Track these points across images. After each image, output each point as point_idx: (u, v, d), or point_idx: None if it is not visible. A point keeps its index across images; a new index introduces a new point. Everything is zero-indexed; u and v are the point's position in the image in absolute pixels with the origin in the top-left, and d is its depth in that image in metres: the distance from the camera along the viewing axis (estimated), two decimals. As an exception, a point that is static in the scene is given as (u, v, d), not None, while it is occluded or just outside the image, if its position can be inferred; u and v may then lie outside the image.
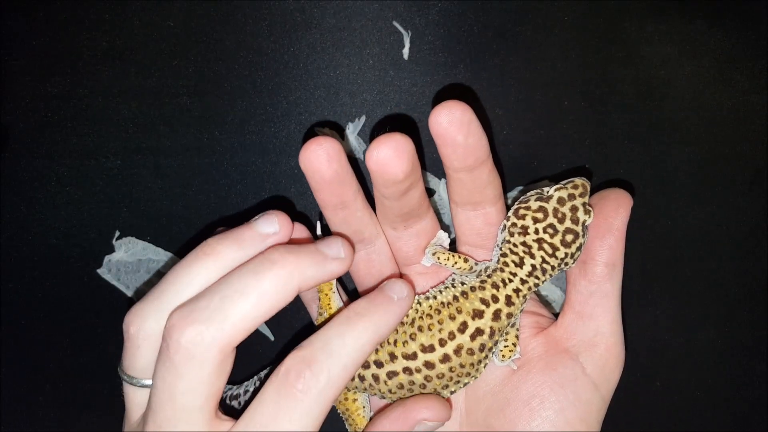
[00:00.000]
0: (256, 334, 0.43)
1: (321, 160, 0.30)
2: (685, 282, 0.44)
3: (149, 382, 0.29)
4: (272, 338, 0.43)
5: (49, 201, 0.43)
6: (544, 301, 0.43)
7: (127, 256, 0.43)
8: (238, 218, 0.42)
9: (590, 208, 0.33)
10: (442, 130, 0.30)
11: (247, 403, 0.29)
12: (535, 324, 0.35)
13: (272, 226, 0.30)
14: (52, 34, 0.41)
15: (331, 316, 0.34)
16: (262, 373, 0.39)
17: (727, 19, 0.42)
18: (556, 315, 0.36)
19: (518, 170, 0.42)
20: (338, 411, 0.36)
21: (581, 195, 0.32)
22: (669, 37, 0.42)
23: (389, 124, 0.41)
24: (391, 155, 0.29)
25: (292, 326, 0.43)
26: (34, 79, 0.42)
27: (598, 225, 0.33)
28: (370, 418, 0.35)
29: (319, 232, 0.35)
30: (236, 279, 0.28)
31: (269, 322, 0.43)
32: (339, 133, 0.42)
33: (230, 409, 0.37)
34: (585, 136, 0.42)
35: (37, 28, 0.41)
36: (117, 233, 0.43)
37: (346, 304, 0.37)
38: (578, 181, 0.33)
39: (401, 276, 0.36)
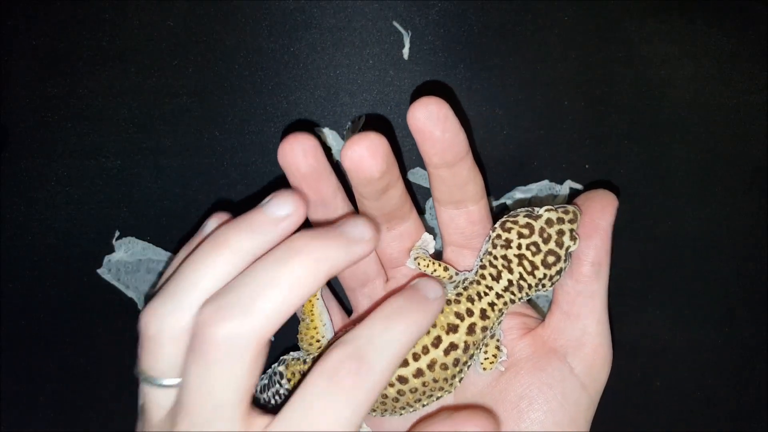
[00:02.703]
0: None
1: (296, 154, 0.31)
2: (685, 282, 0.44)
3: (171, 381, 0.28)
4: (272, 338, 0.43)
5: (49, 201, 0.43)
6: (544, 302, 0.43)
7: (127, 256, 0.43)
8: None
9: (577, 236, 0.32)
10: (420, 125, 0.30)
11: (286, 399, 0.28)
12: (522, 325, 0.35)
13: (285, 208, 0.29)
14: (52, 34, 0.41)
15: (328, 340, 0.34)
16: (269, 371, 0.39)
17: (727, 19, 0.42)
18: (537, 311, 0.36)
19: (518, 170, 0.42)
20: None
21: (570, 221, 0.32)
22: (669, 37, 0.42)
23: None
24: (365, 154, 0.29)
25: (293, 327, 0.43)
26: (34, 79, 0.42)
27: (584, 225, 0.33)
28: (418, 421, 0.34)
29: None
30: (264, 270, 0.27)
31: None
32: (338, 133, 0.42)
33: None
34: (585, 136, 0.42)
35: (37, 28, 0.41)
36: (117, 233, 0.43)
37: (330, 311, 0.37)
38: (570, 207, 0.33)
39: (387, 278, 0.36)
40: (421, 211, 0.42)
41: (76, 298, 0.43)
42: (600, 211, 0.33)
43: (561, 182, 0.42)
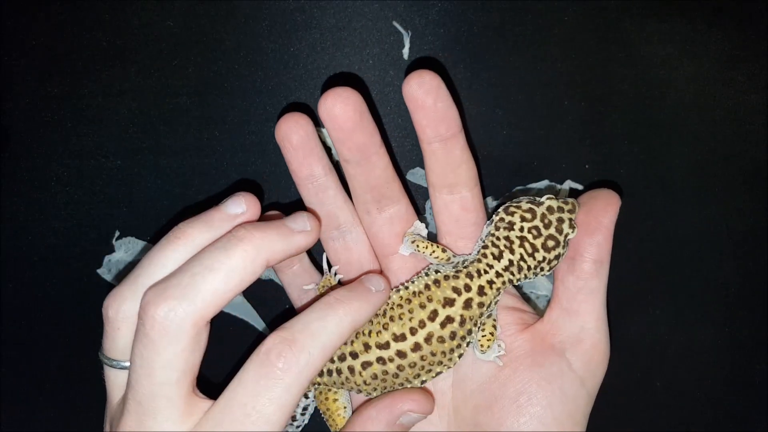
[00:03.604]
0: (254, 332, 0.43)
1: (290, 127, 0.34)
2: (685, 282, 0.44)
3: (127, 363, 0.30)
4: (272, 338, 0.43)
5: (49, 201, 0.43)
6: (543, 301, 0.43)
7: (127, 256, 0.43)
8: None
9: (575, 225, 0.34)
10: (413, 93, 0.32)
11: (226, 383, 0.29)
12: (519, 320, 0.35)
13: (240, 206, 0.31)
14: (52, 34, 0.41)
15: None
16: None
17: (727, 19, 0.42)
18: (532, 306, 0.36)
19: (518, 170, 0.42)
20: (320, 410, 0.36)
21: (569, 211, 0.34)
22: (669, 37, 0.42)
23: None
24: (337, 102, 0.32)
25: (292, 326, 0.43)
26: (34, 79, 0.42)
27: (588, 222, 0.34)
28: (353, 411, 0.35)
29: (325, 264, 0.37)
30: (206, 256, 0.29)
31: (267, 320, 0.43)
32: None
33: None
34: (585, 136, 0.42)
35: (37, 28, 0.41)
36: (117, 233, 0.43)
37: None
38: (570, 200, 0.34)
39: (381, 270, 0.37)
40: (420, 211, 0.42)
41: (76, 298, 0.43)
42: (603, 210, 0.34)
43: (561, 182, 0.42)
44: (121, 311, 0.30)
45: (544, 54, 0.41)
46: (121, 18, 0.41)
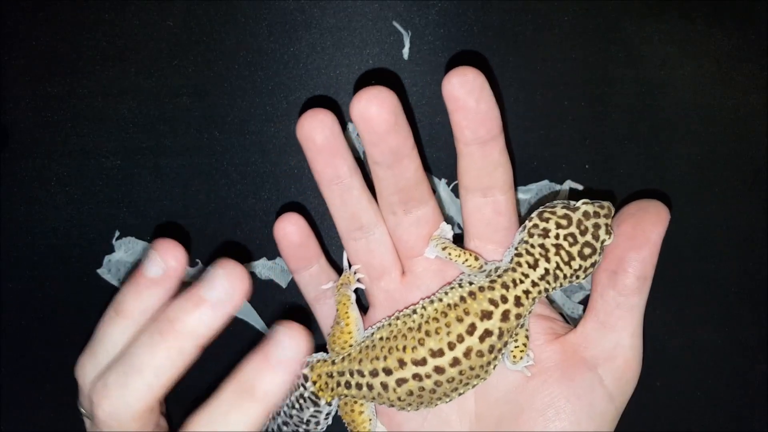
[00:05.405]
0: (253, 332, 0.43)
1: (314, 126, 0.32)
2: (685, 282, 0.44)
3: None
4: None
5: (49, 201, 0.43)
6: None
7: (127, 256, 0.43)
8: (236, 218, 0.42)
9: (611, 231, 0.32)
10: (455, 92, 0.30)
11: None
12: (549, 330, 0.34)
13: (158, 267, 0.29)
14: (52, 34, 0.41)
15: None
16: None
17: (727, 19, 0.42)
18: (561, 315, 0.36)
19: (518, 170, 0.42)
20: (343, 421, 0.35)
21: (605, 216, 0.32)
22: (669, 37, 0.42)
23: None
24: (373, 104, 0.30)
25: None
26: (34, 79, 0.42)
27: (635, 236, 0.32)
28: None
29: (345, 263, 0.36)
30: (134, 354, 0.29)
31: (267, 320, 0.43)
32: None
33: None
34: (585, 136, 0.42)
35: (37, 28, 0.41)
36: (117, 233, 0.43)
37: (363, 313, 0.37)
38: (605, 203, 0.33)
39: (403, 271, 0.36)
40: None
41: (76, 298, 0.43)
42: (653, 224, 0.33)
43: (561, 182, 0.42)
44: (85, 381, 0.31)
45: (544, 54, 0.41)
46: (121, 18, 0.41)
